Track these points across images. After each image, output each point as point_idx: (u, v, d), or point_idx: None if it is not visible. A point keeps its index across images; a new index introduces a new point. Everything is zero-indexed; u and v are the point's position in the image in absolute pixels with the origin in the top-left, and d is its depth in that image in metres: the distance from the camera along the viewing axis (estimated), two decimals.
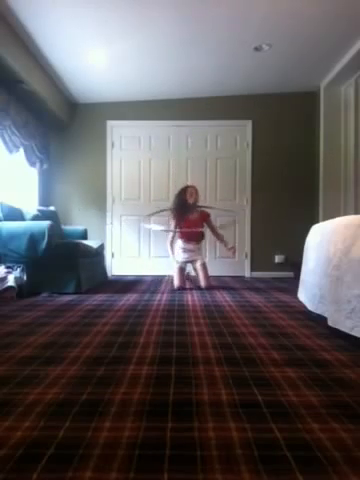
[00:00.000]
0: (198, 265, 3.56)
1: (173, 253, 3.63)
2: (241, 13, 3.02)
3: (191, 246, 3.58)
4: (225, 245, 3.68)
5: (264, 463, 0.75)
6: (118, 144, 4.79)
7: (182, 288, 3.44)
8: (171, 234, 3.62)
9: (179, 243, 3.60)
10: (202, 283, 3.49)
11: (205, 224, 3.68)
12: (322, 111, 4.39)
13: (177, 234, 3.59)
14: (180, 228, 3.54)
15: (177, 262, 3.56)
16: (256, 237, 4.70)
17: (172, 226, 3.60)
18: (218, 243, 3.69)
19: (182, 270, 3.56)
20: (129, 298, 2.88)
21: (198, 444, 0.82)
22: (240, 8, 2.95)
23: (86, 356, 1.43)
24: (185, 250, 3.58)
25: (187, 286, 3.56)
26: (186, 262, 3.61)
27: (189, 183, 3.81)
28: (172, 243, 3.65)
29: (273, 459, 0.76)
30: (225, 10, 2.98)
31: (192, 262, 3.62)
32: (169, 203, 4.71)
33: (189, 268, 3.72)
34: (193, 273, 3.72)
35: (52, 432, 0.87)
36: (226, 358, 1.41)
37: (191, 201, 3.58)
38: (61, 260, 3.17)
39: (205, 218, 3.67)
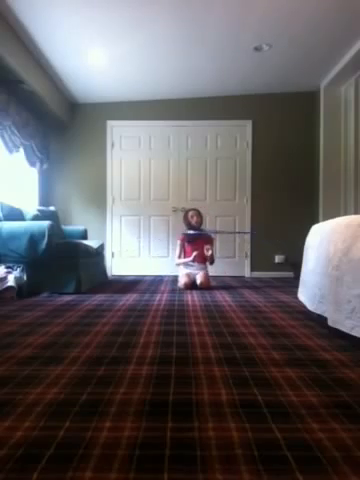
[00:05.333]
0: (200, 273, 3.64)
1: (181, 263, 3.79)
2: (241, 13, 3.02)
3: (192, 267, 3.71)
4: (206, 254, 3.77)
5: (264, 463, 0.75)
6: (118, 144, 4.79)
7: (187, 287, 3.49)
8: (178, 252, 3.82)
9: (183, 265, 3.75)
10: (198, 281, 3.52)
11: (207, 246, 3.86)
12: (322, 111, 4.39)
13: (182, 256, 3.82)
14: (185, 250, 3.77)
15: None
16: (256, 237, 4.70)
17: (178, 249, 3.82)
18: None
19: (187, 274, 3.66)
20: (129, 298, 2.88)
21: (198, 444, 0.82)
22: (240, 8, 2.95)
23: (86, 356, 1.43)
24: (188, 267, 3.72)
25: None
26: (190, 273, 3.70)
27: (192, 207, 4.01)
28: (180, 258, 3.82)
29: (273, 459, 0.76)
30: (225, 10, 2.98)
31: (194, 274, 3.69)
32: (169, 203, 4.75)
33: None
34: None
35: (52, 432, 0.87)
36: (226, 358, 1.41)
37: (193, 222, 3.78)
38: (61, 260, 3.16)
39: (209, 242, 3.81)
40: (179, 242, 3.82)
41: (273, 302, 2.73)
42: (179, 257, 3.81)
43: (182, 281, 3.55)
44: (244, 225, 4.71)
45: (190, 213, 3.85)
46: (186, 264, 3.72)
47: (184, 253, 3.80)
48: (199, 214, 3.85)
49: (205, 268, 3.74)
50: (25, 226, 3.16)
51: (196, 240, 3.73)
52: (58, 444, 0.82)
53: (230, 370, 1.28)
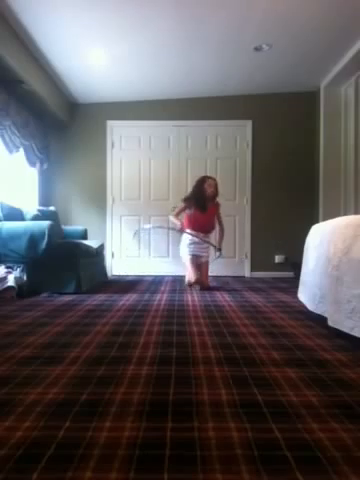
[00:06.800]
0: (202, 260, 3.52)
1: (177, 225, 3.53)
2: (241, 13, 3.02)
3: (199, 237, 3.45)
4: (217, 245, 3.61)
5: (264, 463, 0.75)
6: (118, 144, 4.79)
7: (197, 282, 3.32)
8: (177, 211, 3.52)
9: (186, 237, 3.48)
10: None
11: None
12: (322, 111, 4.39)
13: (186, 223, 3.51)
14: (191, 217, 3.46)
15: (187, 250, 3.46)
16: (256, 237, 4.70)
17: (178, 209, 3.50)
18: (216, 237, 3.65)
19: (193, 260, 3.41)
20: (129, 298, 2.88)
21: (198, 444, 0.82)
22: (240, 8, 2.95)
23: (86, 356, 1.43)
24: (193, 242, 3.45)
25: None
26: (194, 255, 3.47)
27: (209, 174, 3.67)
28: (177, 215, 3.53)
29: (273, 459, 0.76)
30: (225, 10, 2.98)
31: (197, 257, 3.49)
32: (169, 203, 4.74)
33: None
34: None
35: (52, 432, 0.87)
36: (226, 358, 1.41)
37: (209, 192, 3.44)
38: (61, 260, 3.16)
39: (217, 208, 3.60)
40: (184, 204, 3.48)
41: (273, 302, 2.73)
42: (177, 216, 3.51)
43: (190, 276, 3.33)
44: (244, 225, 4.71)
45: (208, 181, 3.43)
46: (191, 241, 3.43)
47: (188, 221, 3.48)
48: (217, 186, 3.46)
49: (208, 248, 3.51)
50: (25, 226, 3.16)
51: (207, 208, 3.44)
52: (58, 444, 0.82)
53: (230, 370, 1.28)
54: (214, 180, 3.52)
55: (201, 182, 3.50)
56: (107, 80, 4.20)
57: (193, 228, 3.48)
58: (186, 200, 3.52)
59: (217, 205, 3.62)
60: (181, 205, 3.58)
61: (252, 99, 4.69)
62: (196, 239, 3.44)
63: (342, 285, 1.65)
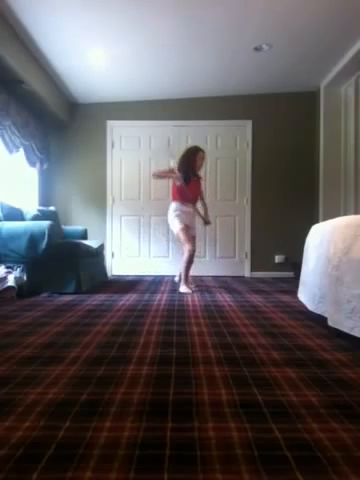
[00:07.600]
0: (194, 234, 3.51)
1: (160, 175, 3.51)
2: (241, 13, 3.02)
3: (187, 208, 3.44)
4: (204, 217, 3.60)
5: (264, 463, 0.75)
6: (118, 144, 4.79)
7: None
8: (162, 170, 3.51)
9: (175, 206, 3.43)
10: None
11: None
12: (322, 111, 4.39)
13: (173, 196, 3.50)
14: (178, 188, 3.43)
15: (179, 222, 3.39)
16: (256, 237, 4.70)
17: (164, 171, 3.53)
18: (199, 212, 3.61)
19: (186, 230, 3.35)
20: (129, 298, 2.88)
21: (198, 444, 0.82)
22: (240, 8, 2.95)
23: (86, 356, 1.43)
24: (183, 212, 3.40)
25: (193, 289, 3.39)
26: (185, 224, 3.38)
27: (199, 146, 3.63)
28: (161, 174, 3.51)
29: (273, 459, 0.76)
30: (225, 10, 2.98)
31: (189, 228, 3.42)
32: (169, 203, 4.73)
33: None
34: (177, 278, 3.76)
35: (52, 432, 0.87)
36: (226, 358, 1.41)
37: (199, 164, 3.50)
38: (61, 260, 3.16)
39: (199, 182, 3.63)
40: (176, 173, 3.39)
41: (273, 302, 2.73)
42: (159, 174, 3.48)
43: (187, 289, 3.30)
44: (244, 225, 4.71)
45: (200, 154, 3.44)
46: (181, 211, 3.38)
47: (176, 192, 3.44)
48: (205, 158, 3.51)
49: (194, 221, 3.56)
50: (25, 226, 3.16)
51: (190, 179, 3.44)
52: (58, 444, 0.82)
53: (230, 370, 1.28)
54: (204, 153, 3.54)
55: (194, 153, 3.48)
56: (107, 80, 4.20)
57: (181, 199, 3.44)
58: (179, 170, 3.46)
59: (200, 178, 3.64)
60: (170, 170, 3.50)
61: (252, 99, 4.69)
62: (184, 208, 3.42)
63: (342, 285, 1.65)
